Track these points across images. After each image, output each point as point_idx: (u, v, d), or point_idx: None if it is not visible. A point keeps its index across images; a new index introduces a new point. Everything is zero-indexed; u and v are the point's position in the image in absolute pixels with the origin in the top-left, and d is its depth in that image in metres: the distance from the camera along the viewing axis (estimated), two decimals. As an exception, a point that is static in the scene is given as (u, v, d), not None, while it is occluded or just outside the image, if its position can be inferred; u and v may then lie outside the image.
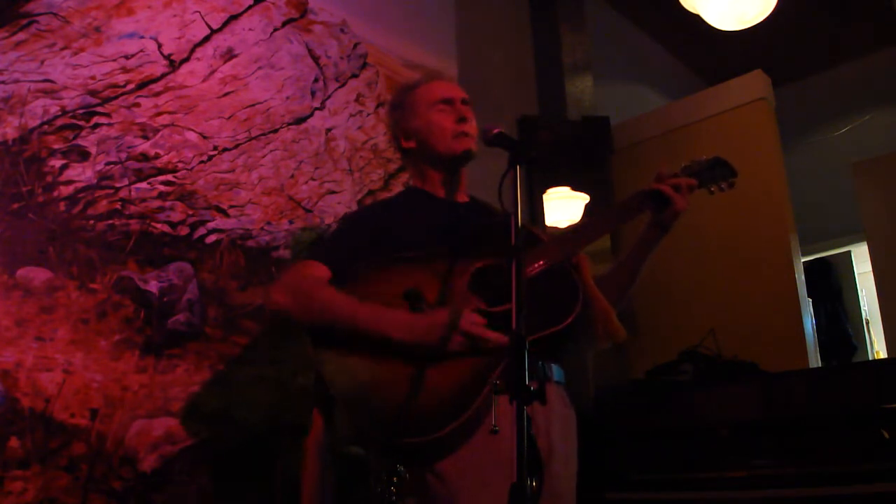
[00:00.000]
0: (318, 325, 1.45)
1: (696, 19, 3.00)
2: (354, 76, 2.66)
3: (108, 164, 1.95)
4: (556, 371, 1.49)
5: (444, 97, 1.69)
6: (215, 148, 2.19)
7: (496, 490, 1.29)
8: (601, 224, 1.65)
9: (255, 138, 2.29)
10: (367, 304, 1.43)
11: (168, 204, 2.05)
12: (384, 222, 1.63)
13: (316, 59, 2.54)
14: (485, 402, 1.33)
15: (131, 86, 2.04)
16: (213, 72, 2.23)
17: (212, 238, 2.12)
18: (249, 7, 2.39)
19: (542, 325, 1.37)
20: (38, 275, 1.76)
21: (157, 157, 2.05)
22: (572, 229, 1.56)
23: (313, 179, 2.43)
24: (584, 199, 3.48)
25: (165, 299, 1.96)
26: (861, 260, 4.93)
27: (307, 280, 1.51)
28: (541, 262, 1.47)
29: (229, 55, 2.29)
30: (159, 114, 2.08)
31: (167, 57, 2.14)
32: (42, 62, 1.88)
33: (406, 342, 1.39)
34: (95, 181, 1.91)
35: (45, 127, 1.85)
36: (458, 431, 1.32)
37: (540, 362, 1.43)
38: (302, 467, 1.51)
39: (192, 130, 2.15)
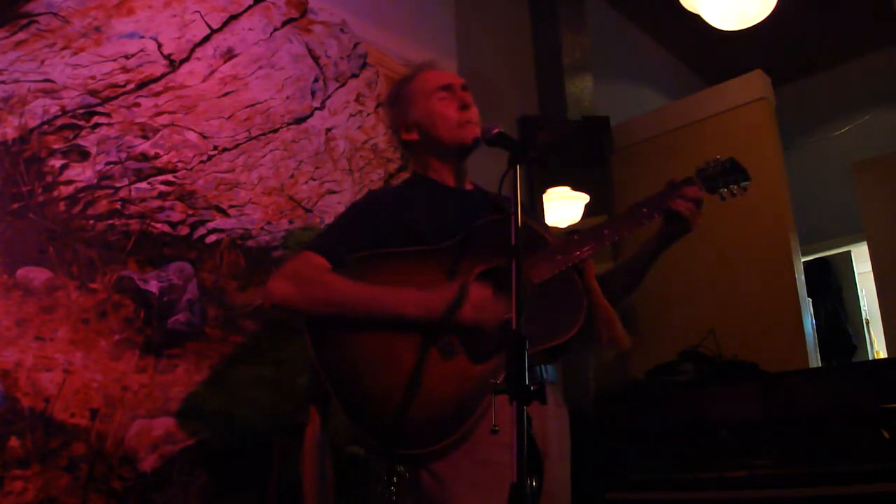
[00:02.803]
0: (323, 313, 1.41)
1: (696, 19, 3.01)
2: (354, 76, 2.66)
3: (108, 164, 1.95)
4: (551, 372, 1.49)
5: (443, 84, 1.64)
6: (215, 148, 2.19)
7: (489, 491, 1.29)
8: (612, 231, 1.52)
9: (255, 138, 2.29)
10: (374, 285, 1.41)
11: (168, 204, 2.04)
12: (389, 212, 1.57)
13: (316, 59, 2.54)
14: (484, 409, 1.32)
15: (131, 86, 2.04)
16: (213, 72, 2.23)
17: (212, 238, 2.12)
18: (249, 7, 2.38)
19: (545, 335, 1.37)
20: (38, 275, 1.76)
21: (157, 157, 2.05)
22: (581, 234, 1.50)
23: (313, 179, 2.43)
24: (584, 198, 3.48)
25: (165, 299, 1.96)
26: (861, 260, 4.93)
27: (309, 268, 1.47)
28: (556, 264, 1.44)
29: (229, 55, 2.29)
30: (159, 114, 2.08)
31: (167, 57, 2.14)
32: (42, 62, 1.88)
33: (421, 318, 1.37)
34: (95, 181, 1.91)
35: (45, 127, 1.85)
36: (455, 442, 1.31)
37: (538, 366, 1.42)
38: (301, 466, 1.50)
39: (192, 130, 2.15)
